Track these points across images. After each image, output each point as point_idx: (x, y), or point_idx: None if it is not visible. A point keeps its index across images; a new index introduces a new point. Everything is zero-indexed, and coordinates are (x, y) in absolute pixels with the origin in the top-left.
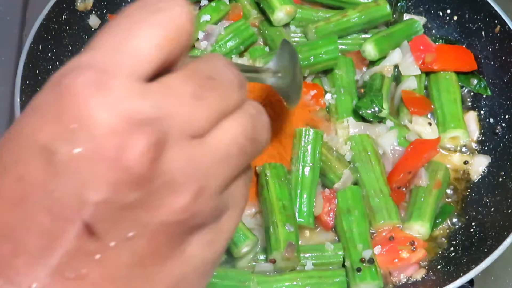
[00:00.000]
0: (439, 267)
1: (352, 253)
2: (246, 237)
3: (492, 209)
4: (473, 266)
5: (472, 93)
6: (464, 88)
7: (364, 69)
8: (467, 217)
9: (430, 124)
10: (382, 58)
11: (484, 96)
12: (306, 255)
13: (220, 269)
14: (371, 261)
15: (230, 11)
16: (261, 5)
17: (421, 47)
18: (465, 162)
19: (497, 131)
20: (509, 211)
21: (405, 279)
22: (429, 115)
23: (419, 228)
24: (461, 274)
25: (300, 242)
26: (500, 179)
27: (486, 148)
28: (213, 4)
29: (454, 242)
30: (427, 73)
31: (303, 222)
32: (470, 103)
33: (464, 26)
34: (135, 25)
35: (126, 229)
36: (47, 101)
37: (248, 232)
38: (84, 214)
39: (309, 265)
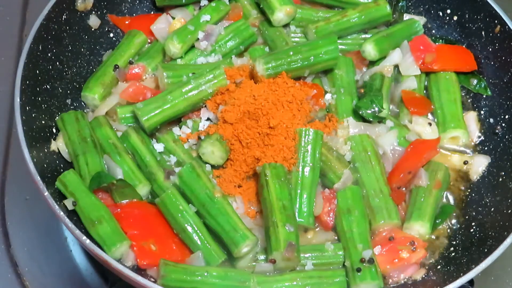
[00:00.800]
0: (439, 267)
1: (352, 253)
2: (246, 237)
3: (492, 209)
4: (473, 266)
5: (472, 93)
6: (464, 88)
7: (364, 69)
8: (467, 217)
9: (430, 124)
10: (382, 58)
11: (484, 96)
12: (306, 255)
13: (220, 269)
14: (371, 261)
15: (230, 11)
16: (261, 6)
17: (421, 47)
18: (465, 162)
19: (497, 131)
20: (509, 211)
21: (405, 279)
22: (429, 115)
23: (419, 228)
24: (461, 274)
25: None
26: (500, 179)
27: (486, 148)
28: (213, 4)
29: (454, 242)
30: (427, 73)
31: (303, 222)
32: (470, 103)
33: (464, 26)
34: None
35: None
36: None
37: (248, 232)
38: None
39: (309, 265)
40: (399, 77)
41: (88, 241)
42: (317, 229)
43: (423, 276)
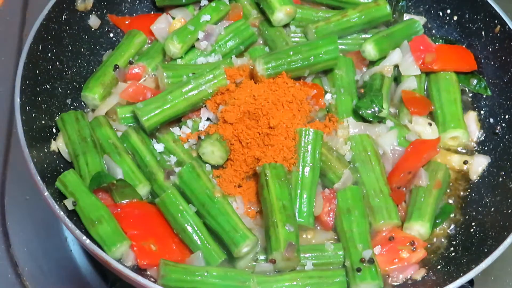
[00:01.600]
0: (439, 267)
1: (352, 253)
2: (246, 237)
3: (492, 209)
4: (473, 266)
5: (472, 93)
6: (464, 88)
7: (364, 69)
8: (467, 217)
9: (430, 124)
10: (382, 58)
11: (484, 96)
12: (306, 255)
13: (220, 269)
14: (371, 261)
15: (230, 11)
16: (261, 6)
17: (421, 47)
18: (465, 162)
19: (497, 131)
20: (509, 211)
21: (405, 279)
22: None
23: (419, 228)
24: (461, 274)
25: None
26: (500, 179)
27: (486, 148)
28: (213, 4)
29: (454, 242)
30: (427, 73)
31: (303, 222)
32: (470, 103)
33: (464, 26)
34: None
35: None
36: None
37: (248, 232)
38: None
39: (309, 265)
40: (399, 77)
41: (88, 241)
42: (317, 229)
43: (423, 276)
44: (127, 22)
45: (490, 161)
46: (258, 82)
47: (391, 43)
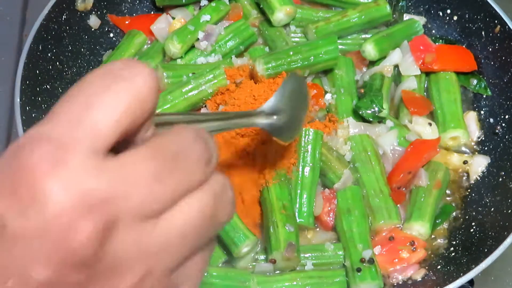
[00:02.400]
0: (439, 267)
1: (352, 253)
2: (246, 237)
3: (492, 209)
4: (473, 266)
5: (472, 93)
6: (464, 88)
7: (364, 69)
8: (467, 217)
9: (430, 124)
10: (382, 58)
11: (484, 96)
12: (306, 255)
13: (220, 269)
14: (371, 261)
15: (230, 11)
16: (261, 6)
17: (421, 47)
18: (465, 162)
19: (497, 131)
20: (509, 211)
21: (405, 279)
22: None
23: (419, 228)
24: (461, 274)
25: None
26: (500, 179)
27: (486, 148)
28: (213, 4)
29: (454, 242)
30: (427, 73)
31: (303, 222)
32: (470, 103)
33: (464, 26)
34: (95, 96)
35: None
36: (3, 174)
37: (248, 232)
38: None
39: (309, 265)
40: (399, 77)
41: None
42: (317, 229)
43: (423, 276)
44: (127, 22)
45: (490, 161)
46: (258, 82)
47: (391, 43)
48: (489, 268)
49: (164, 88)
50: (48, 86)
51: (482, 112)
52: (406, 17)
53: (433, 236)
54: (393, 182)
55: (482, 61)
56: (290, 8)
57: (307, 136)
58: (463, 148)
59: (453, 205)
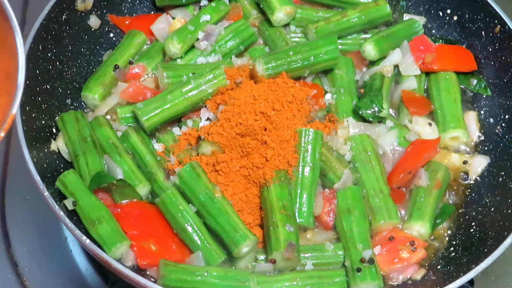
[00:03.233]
0: (439, 267)
1: (352, 253)
2: (246, 237)
3: (492, 209)
4: (473, 266)
5: (472, 93)
6: (464, 88)
7: (364, 69)
8: (467, 217)
9: (430, 124)
10: (382, 58)
11: (484, 96)
12: (306, 255)
13: (220, 269)
14: (371, 261)
15: (230, 11)
16: (261, 6)
17: (421, 47)
18: (465, 162)
19: (497, 131)
20: (509, 211)
21: (405, 279)
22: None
23: (419, 228)
24: (461, 274)
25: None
26: (500, 179)
27: (486, 148)
28: (213, 4)
29: (454, 242)
30: (427, 73)
31: (303, 222)
32: (470, 103)
33: (464, 26)
34: None
35: None
36: None
37: (248, 232)
38: None
39: (309, 265)
40: (399, 77)
41: (88, 241)
42: (317, 229)
43: (423, 276)
44: (127, 22)
45: (490, 161)
46: (258, 82)
47: (391, 43)
48: (489, 268)
49: (164, 88)
50: (48, 86)
51: (482, 112)
52: (406, 17)
53: (433, 237)
54: (393, 182)
55: (482, 61)
56: (290, 8)
57: (307, 136)
58: (463, 148)
59: (453, 205)
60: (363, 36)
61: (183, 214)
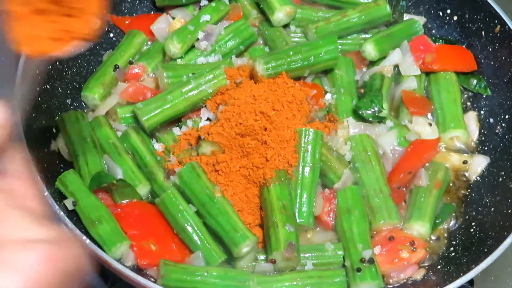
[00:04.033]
0: (439, 267)
1: (352, 253)
2: (246, 237)
3: (492, 209)
4: (473, 266)
5: (472, 93)
6: (464, 88)
7: (364, 69)
8: (467, 217)
9: (430, 124)
10: (382, 58)
11: (484, 96)
12: (306, 255)
13: (220, 269)
14: (371, 261)
15: (230, 11)
16: (261, 6)
17: (421, 47)
18: (465, 162)
19: (497, 131)
20: (509, 211)
21: (405, 279)
22: (429, 115)
23: (419, 228)
24: (461, 274)
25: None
26: (500, 179)
27: (486, 148)
28: (213, 4)
29: (454, 242)
30: (427, 73)
31: (303, 222)
32: (470, 103)
33: (464, 26)
34: None
35: None
36: None
37: (248, 232)
38: None
39: (309, 265)
40: (399, 77)
41: (88, 241)
42: (317, 229)
43: (423, 276)
44: (127, 22)
45: (490, 161)
46: (258, 82)
47: (391, 43)
48: (489, 268)
49: (164, 88)
50: (48, 86)
51: (482, 112)
52: (406, 17)
53: (433, 237)
54: (393, 182)
55: (482, 61)
56: (290, 8)
57: (307, 136)
58: (463, 148)
59: (453, 205)
60: (363, 36)
61: (183, 214)
